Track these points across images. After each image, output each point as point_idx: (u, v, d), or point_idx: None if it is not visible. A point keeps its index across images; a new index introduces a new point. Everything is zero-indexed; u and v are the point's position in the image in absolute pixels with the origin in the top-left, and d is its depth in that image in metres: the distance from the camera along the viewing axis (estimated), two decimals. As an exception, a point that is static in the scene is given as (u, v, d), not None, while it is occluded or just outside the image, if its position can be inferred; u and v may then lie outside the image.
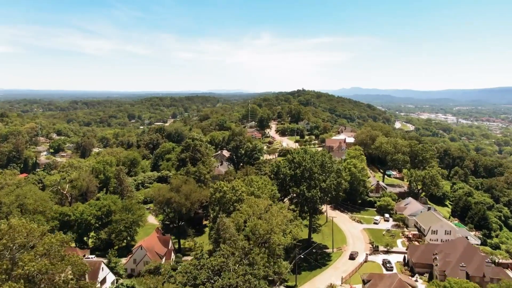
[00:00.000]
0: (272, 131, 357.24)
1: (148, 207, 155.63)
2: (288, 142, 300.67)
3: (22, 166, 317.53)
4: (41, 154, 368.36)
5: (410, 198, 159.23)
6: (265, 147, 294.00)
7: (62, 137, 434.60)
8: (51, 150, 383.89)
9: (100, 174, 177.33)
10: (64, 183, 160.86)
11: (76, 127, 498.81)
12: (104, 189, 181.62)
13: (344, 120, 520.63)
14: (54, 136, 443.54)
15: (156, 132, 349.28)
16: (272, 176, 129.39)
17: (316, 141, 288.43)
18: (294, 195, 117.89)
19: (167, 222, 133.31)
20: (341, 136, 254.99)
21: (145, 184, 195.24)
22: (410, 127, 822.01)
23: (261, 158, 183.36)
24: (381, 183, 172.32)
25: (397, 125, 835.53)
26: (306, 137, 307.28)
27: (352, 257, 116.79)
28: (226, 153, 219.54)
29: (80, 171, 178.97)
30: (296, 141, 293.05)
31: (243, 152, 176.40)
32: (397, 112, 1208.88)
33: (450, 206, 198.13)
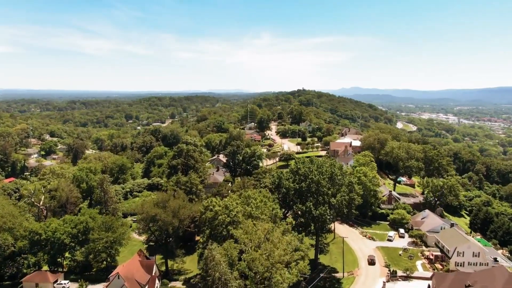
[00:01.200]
0: (272, 133, 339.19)
1: (134, 219, 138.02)
2: (289, 145, 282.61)
3: (10, 169, 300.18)
4: (32, 156, 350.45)
5: (427, 211, 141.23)
6: (264, 150, 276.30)
7: (55, 139, 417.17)
8: (42, 153, 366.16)
9: (82, 183, 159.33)
10: (41, 193, 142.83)
11: (70, 128, 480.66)
12: (88, 199, 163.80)
13: (346, 121, 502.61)
14: (47, 137, 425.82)
15: (151, 133, 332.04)
16: (273, 188, 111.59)
17: (319, 144, 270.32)
18: (299, 212, 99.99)
19: (151, 243, 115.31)
20: (346, 139, 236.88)
21: (134, 192, 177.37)
22: (412, 128, 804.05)
23: (261, 164, 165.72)
24: (393, 193, 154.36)
25: (399, 125, 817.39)
26: (308, 139, 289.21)
27: None
28: (223, 157, 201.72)
29: (61, 179, 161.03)
30: (298, 144, 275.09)
31: (240, 158, 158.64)
32: (397, 112, 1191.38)
33: (466, 216, 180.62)
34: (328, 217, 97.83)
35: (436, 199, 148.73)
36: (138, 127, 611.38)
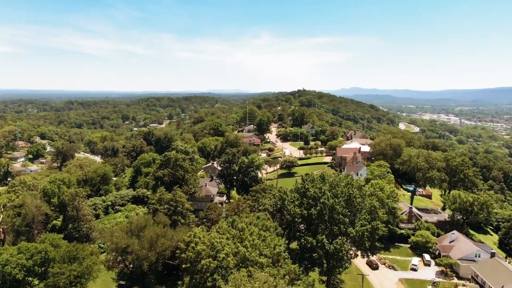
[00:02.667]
0: (272, 136, 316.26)
1: (102, 244, 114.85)
2: (290, 149, 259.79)
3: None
4: (18, 160, 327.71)
5: (456, 233, 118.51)
6: (264, 155, 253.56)
7: (45, 141, 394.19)
8: (30, 156, 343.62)
9: (53, 197, 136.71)
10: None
11: (62, 130, 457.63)
12: (63, 215, 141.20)
13: (349, 122, 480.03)
14: (37, 139, 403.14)
15: (144, 136, 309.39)
16: (274, 212, 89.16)
17: (323, 148, 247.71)
18: (308, 246, 77.41)
19: (122, 282, 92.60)
20: (354, 144, 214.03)
21: (116, 206, 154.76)
22: (415, 129, 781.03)
23: (260, 175, 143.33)
24: (414, 210, 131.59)
25: (401, 126, 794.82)
26: (312, 143, 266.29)
27: None
28: (217, 165, 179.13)
29: (26, 193, 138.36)
30: (300, 148, 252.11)
31: (236, 168, 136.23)
32: (398, 113, 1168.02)
33: (492, 233, 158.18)
34: (346, 253, 75.39)
35: (464, 218, 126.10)
36: (135, 128, 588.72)
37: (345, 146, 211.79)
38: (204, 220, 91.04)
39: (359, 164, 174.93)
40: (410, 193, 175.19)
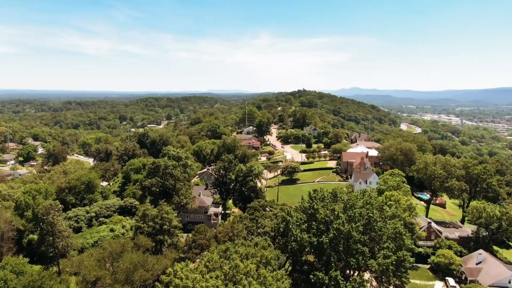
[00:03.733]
0: (272, 138, 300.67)
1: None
2: (292, 152, 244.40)
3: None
4: (7, 163, 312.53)
5: (483, 253, 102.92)
6: (264, 159, 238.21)
7: (37, 143, 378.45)
8: (20, 159, 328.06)
9: (27, 210, 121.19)
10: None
11: (56, 131, 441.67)
12: (38, 231, 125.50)
13: (352, 123, 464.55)
14: (30, 141, 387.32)
15: (139, 138, 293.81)
16: (276, 235, 73.72)
17: (326, 152, 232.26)
18: (318, 284, 61.86)
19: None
20: (360, 148, 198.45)
21: (101, 218, 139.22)
22: (417, 129, 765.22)
23: (259, 184, 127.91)
24: (434, 225, 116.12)
25: (403, 127, 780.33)
26: (314, 146, 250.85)
27: None
28: (213, 172, 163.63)
29: (5, 204, 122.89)
30: (302, 151, 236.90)
31: (233, 177, 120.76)
32: (399, 113, 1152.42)
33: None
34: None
35: (491, 234, 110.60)
36: (132, 129, 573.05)
37: (351, 150, 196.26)
38: (192, 244, 75.66)
39: (367, 170, 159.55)
40: (423, 202, 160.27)
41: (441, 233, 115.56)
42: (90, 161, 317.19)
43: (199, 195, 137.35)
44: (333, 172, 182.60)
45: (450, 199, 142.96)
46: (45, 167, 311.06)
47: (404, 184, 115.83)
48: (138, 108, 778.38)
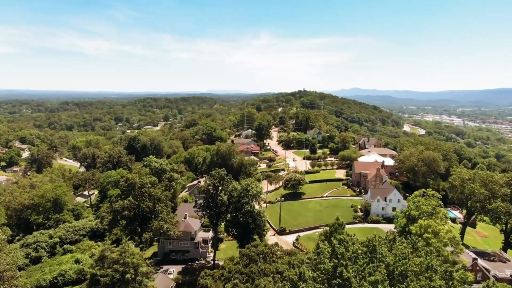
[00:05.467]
0: (273, 142, 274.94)
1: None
2: (295, 159, 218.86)
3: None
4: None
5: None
6: (263, 165, 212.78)
7: (24, 146, 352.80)
8: (3, 163, 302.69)
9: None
10: None
11: (46, 133, 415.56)
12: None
13: (356, 125, 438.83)
14: (16, 144, 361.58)
15: (129, 142, 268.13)
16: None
17: (333, 158, 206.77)
18: None
19: None
20: (373, 156, 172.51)
21: (66, 244, 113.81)
22: (420, 131, 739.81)
23: (257, 207, 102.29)
24: (480, 261, 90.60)
25: (406, 128, 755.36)
26: (319, 151, 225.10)
27: None
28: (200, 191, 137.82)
29: None
30: (306, 158, 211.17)
31: (225, 199, 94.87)
32: (400, 114, 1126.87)
33: None
34: None
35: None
36: (128, 131, 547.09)
37: (362, 158, 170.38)
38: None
39: (385, 185, 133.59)
40: (450, 222, 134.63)
41: (489, 271, 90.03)
42: (81, 167, 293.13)
43: (185, 218, 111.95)
44: (343, 184, 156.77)
45: (494, 225, 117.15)
46: (28, 173, 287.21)
47: (442, 209, 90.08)
48: (136, 109, 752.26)
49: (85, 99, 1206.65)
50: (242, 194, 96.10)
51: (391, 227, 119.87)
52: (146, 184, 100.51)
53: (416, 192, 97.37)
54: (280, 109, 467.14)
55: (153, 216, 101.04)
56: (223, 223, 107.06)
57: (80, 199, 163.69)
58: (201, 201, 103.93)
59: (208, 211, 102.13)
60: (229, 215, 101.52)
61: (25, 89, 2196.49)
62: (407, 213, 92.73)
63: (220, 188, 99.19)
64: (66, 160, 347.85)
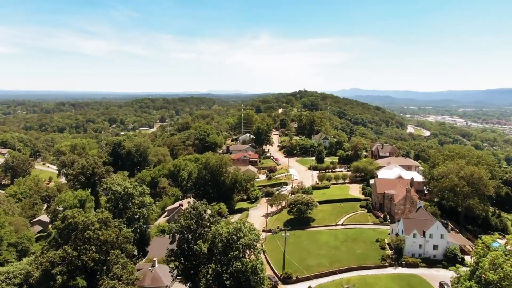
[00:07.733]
0: (273, 148, 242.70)
1: None
2: (299, 169, 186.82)
3: None
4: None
5: None
6: (263, 177, 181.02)
7: (4, 151, 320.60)
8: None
9: None
10: None
11: (31, 137, 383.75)
12: None
13: (361, 128, 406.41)
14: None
15: (113, 148, 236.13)
16: None
17: (344, 169, 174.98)
18: None
19: None
20: (395, 170, 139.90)
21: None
22: (425, 132, 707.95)
23: (254, 257, 71.11)
24: None
25: (410, 129, 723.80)
26: (327, 160, 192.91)
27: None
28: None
29: None
30: (313, 168, 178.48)
31: (205, 250, 62.54)
32: (401, 114, 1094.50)
33: None
34: None
35: None
36: (122, 133, 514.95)
37: (383, 173, 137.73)
38: None
39: (421, 212, 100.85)
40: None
41: None
42: (57, 175, 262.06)
43: (153, 265, 79.92)
44: (361, 206, 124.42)
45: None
46: (2, 182, 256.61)
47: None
48: (132, 109, 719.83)
49: (83, 99, 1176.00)
50: (230, 242, 64.05)
51: (432, 272, 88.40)
52: (93, 225, 68.50)
53: (486, 238, 65.38)
54: (280, 110, 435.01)
55: (104, 268, 69.31)
56: (204, 279, 74.59)
57: (38, 228, 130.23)
58: (174, 246, 72.05)
59: (183, 260, 70.16)
60: (213, 265, 69.59)
61: (24, 89, 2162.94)
62: (476, 272, 60.76)
63: (198, 232, 67.12)
64: (48, 167, 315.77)
